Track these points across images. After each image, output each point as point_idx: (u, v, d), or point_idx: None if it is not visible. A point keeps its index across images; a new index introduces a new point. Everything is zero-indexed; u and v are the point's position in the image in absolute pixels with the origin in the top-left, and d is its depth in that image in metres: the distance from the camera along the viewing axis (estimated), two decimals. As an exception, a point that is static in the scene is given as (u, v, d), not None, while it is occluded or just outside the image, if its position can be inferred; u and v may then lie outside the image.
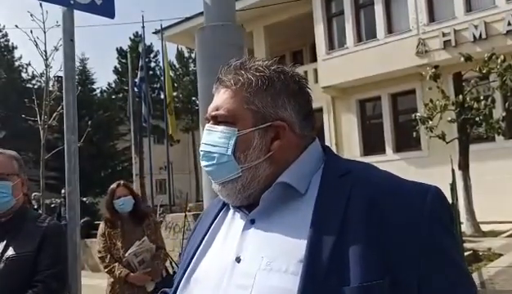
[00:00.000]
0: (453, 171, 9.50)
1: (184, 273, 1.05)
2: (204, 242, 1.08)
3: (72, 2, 2.34)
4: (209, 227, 1.09)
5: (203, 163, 1.04)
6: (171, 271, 4.20)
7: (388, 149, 13.58)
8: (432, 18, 12.72)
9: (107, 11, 2.50)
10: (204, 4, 2.23)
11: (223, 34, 2.12)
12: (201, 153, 1.04)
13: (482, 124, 9.46)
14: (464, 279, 0.91)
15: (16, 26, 6.15)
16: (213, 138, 1.01)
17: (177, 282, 1.07)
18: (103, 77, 77.15)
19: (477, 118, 9.41)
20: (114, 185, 4.13)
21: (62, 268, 2.19)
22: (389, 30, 13.53)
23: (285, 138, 1.00)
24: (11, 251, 2.04)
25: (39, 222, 2.20)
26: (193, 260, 1.06)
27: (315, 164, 1.01)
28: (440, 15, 12.64)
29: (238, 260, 0.95)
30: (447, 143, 9.64)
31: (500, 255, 7.76)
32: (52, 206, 11.90)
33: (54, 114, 5.90)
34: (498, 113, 9.62)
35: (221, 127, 1.00)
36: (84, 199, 15.94)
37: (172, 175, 20.37)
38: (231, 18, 2.19)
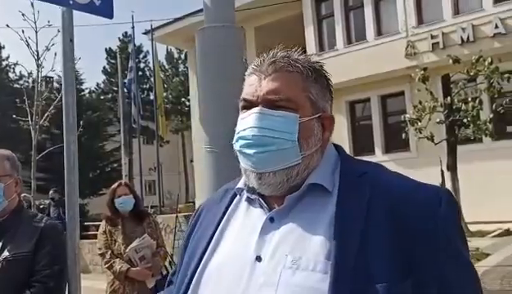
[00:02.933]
0: (442, 171, 9.63)
1: (196, 269, 1.02)
2: (215, 238, 1.04)
3: (71, 2, 2.35)
4: (219, 222, 1.06)
5: (251, 150, 0.97)
6: (170, 270, 4.22)
7: (378, 150, 13.67)
8: (420, 20, 12.85)
9: (106, 11, 2.51)
10: (203, 5, 2.25)
11: (224, 35, 2.15)
12: (251, 137, 0.97)
13: (470, 126, 9.56)
14: (477, 281, 0.95)
15: (7, 26, 6.12)
16: (272, 122, 0.96)
17: (188, 279, 1.02)
18: (92, 78, 76.57)
19: (465, 120, 9.52)
20: (115, 184, 4.19)
21: (60, 268, 2.19)
22: (379, 32, 13.63)
23: (330, 130, 1.03)
24: (7, 252, 2.03)
25: (36, 222, 2.19)
26: (205, 257, 1.03)
27: (335, 163, 1.02)
28: (428, 18, 12.77)
29: (259, 259, 0.94)
30: (436, 144, 9.74)
31: (488, 254, 7.86)
32: (41, 207, 11.79)
33: (45, 114, 5.89)
34: (485, 114, 9.75)
35: (282, 112, 0.97)
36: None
37: (162, 176, 20.30)
38: (230, 19, 2.21)
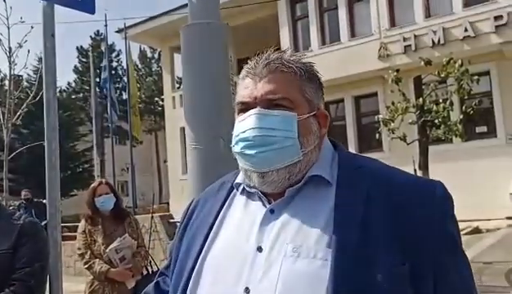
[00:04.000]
0: (415, 171, 9.81)
1: (196, 261, 1.03)
2: (213, 229, 1.05)
3: (52, -4, 2.32)
4: (218, 213, 1.08)
5: (252, 150, 0.99)
6: (150, 270, 4.17)
7: (351, 150, 13.80)
8: (393, 23, 13.09)
9: (87, 6, 2.48)
10: (188, 1, 2.25)
11: (209, 32, 2.15)
12: (252, 138, 0.99)
13: (441, 126, 9.77)
14: (470, 269, 0.99)
15: (-23, 21, 5.93)
16: (271, 122, 0.98)
17: (189, 268, 1.03)
18: (63, 77, 74.62)
19: (436, 121, 9.72)
20: (95, 183, 4.10)
21: (41, 265, 2.15)
22: (352, 34, 13.82)
23: (326, 127, 1.06)
24: None
25: (14, 220, 2.15)
26: (204, 248, 1.04)
27: (331, 157, 1.06)
28: (401, 21, 13.02)
29: (260, 249, 0.95)
30: (408, 144, 9.93)
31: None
32: (11, 208, 11.47)
33: (18, 113, 5.74)
34: (456, 115, 9.99)
35: (280, 111, 0.99)
36: (44, 201, 15.40)
37: (135, 177, 20.03)
38: (215, 16, 2.21)
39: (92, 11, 2.48)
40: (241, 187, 1.08)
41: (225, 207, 1.09)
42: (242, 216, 1.05)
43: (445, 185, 1.00)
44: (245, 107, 1.02)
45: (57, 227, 2.27)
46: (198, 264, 1.03)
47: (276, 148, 0.98)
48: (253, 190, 1.05)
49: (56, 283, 2.22)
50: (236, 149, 1.02)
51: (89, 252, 3.92)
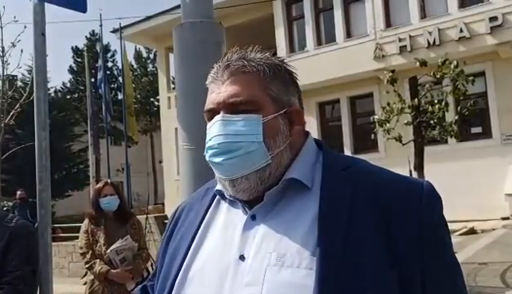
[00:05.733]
0: (410, 171, 9.82)
1: (179, 271, 1.00)
2: (197, 238, 1.03)
3: (43, -6, 2.28)
4: (200, 222, 1.05)
5: (219, 158, 0.96)
6: (151, 273, 4.16)
7: (347, 150, 13.86)
8: (388, 24, 13.12)
9: (79, 5, 2.45)
10: (181, 0, 2.22)
11: (202, 31, 2.12)
12: (217, 146, 0.96)
13: (436, 127, 9.78)
14: (459, 269, 0.97)
15: (-30, 20, 5.86)
16: (235, 127, 0.95)
17: (171, 280, 1.00)
18: (58, 77, 74.49)
19: (431, 121, 9.73)
20: (100, 184, 4.15)
21: (31, 269, 2.13)
22: (348, 35, 13.85)
23: (300, 123, 1.02)
24: None
25: (6, 222, 2.13)
26: (187, 257, 1.01)
27: (315, 158, 1.02)
28: (396, 21, 13.06)
29: (242, 258, 0.93)
30: (404, 145, 9.93)
31: (455, 253, 8.07)
32: (5, 209, 11.41)
33: (11, 113, 5.69)
34: (451, 116, 10.01)
35: (243, 115, 0.96)
36: (38, 202, 15.29)
37: (130, 177, 19.98)
38: (209, 14, 2.19)
39: (83, 9, 2.45)
40: (222, 194, 1.05)
41: (208, 214, 1.06)
42: (225, 223, 1.02)
43: (433, 185, 0.97)
44: (211, 114, 1.00)
45: (47, 228, 2.23)
46: (181, 273, 1.00)
47: (242, 153, 0.94)
48: (232, 197, 1.02)
49: (46, 286, 2.18)
50: (206, 157, 1.00)
51: (90, 252, 3.94)
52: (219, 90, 0.98)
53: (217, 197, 1.07)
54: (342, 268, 0.85)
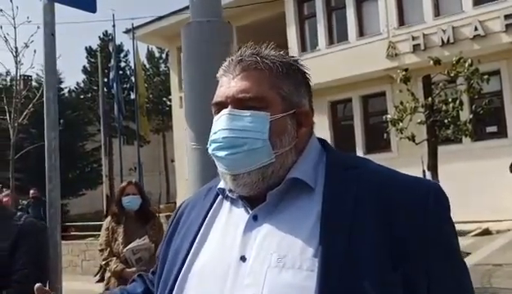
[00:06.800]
0: (424, 172, 9.73)
1: (180, 271, 1.00)
2: (198, 237, 1.02)
3: (52, -6, 2.29)
4: (202, 221, 1.04)
5: (222, 152, 0.95)
6: None
7: (359, 150, 13.76)
8: (402, 22, 12.99)
9: (88, 5, 2.45)
10: (189, 0, 2.22)
11: (210, 30, 2.11)
12: (222, 140, 0.95)
13: (450, 126, 9.68)
14: (466, 271, 0.94)
15: (-17, 22, 5.97)
16: (242, 123, 0.94)
17: (172, 280, 1.00)
18: (72, 77, 75.27)
19: (445, 120, 9.64)
20: (124, 183, 4.23)
21: (40, 267, 2.13)
22: (360, 33, 13.74)
23: (308, 125, 1.01)
24: None
25: (15, 220, 2.13)
26: (189, 257, 1.00)
27: (318, 157, 1.01)
28: (409, 20, 12.92)
29: (243, 259, 0.92)
30: (417, 144, 9.84)
31: (468, 253, 7.98)
32: (19, 207, 11.56)
33: (24, 113, 5.76)
34: (465, 115, 9.89)
35: (251, 111, 0.95)
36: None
37: (142, 176, 20.10)
38: (217, 14, 2.18)
39: (93, 9, 2.45)
40: (225, 193, 1.04)
41: (210, 213, 1.05)
42: (226, 223, 1.01)
43: (440, 185, 0.95)
44: (219, 107, 0.99)
45: (57, 227, 2.24)
46: (182, 273, 0.99)
47: (246, 149, 0.94)
48: (234, 196, 1.01)
49: (55, 284, 2.19)
50: (209, 150, 0.99)
51: (109, 249, 4.03)
52: (229, 84, 0.97)
53: (220, 196, 1.06)
54: (344, 269, 0.83)
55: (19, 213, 2.27)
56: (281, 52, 1.02)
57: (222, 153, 0.95)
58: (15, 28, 5.62)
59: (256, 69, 0.97)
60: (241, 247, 0.93)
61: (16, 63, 5.79)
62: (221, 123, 0.96)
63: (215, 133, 0.97)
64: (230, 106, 0.96)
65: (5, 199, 10.37)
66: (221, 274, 0.92)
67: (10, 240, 2.02)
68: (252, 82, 0.96)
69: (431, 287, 0.87)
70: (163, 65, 34.75)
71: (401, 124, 10.09)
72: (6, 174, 5.91)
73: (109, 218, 4.19)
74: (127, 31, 18.53)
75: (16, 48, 5.69)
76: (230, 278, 0.91)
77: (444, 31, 11.98)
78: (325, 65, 13.48)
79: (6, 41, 5.67)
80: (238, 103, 0.96)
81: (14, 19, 5.57)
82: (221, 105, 0.98)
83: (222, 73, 1.01)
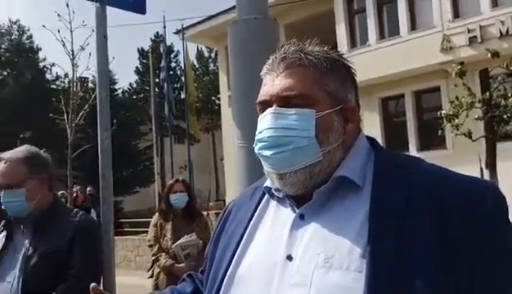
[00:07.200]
0: (482, 170, 9.34)
1: (227, 270, 1.00)
2: (245, 237, 1.02)
3: (104, -2, 2.36)
4: (249, 221, 1.04)
5: (268, 152, 0.94)
6: None
7: (412, 147, 13.38)
8: (456, 14, 12.51)
9: (138, 7, 2.51)
10: (236, -2, 2.22)
11: (256, 28, 2.10)
12: (267, 139, 0.94)
13: (510, 122, 9.25)
14: None
15: (44, 26, 6.27)
16: (287, 121, 0.93)
17: (220, 279, 1.00)
18: (125, 78, 77.75)
19: (504, 116, 9.21)
20: (172, 180, 4.35)
21: (95, 262, 2.20)
22: (413, 27, 13.35)
23: (355, 121, 0.98)
24: (43, 247, 2.05)
25: (71, 217, 2.20)
26: (236, 256, 1.00)
27: (367, 156, 0.98)
28: (465, 11, 12.42)
29: (290, 258, 0.91)
30: (474, 141, 9.46)
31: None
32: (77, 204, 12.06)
33: (81, 113, 6.00)
34: (526, 110, 9.40)
35: (296, 109, 0.93)
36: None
37: (193, 174, 20.49)
38: (263, 11, 2.16)
39: (142, 11, 2.51)
40: (271, 192, 1.04)
41: (257, 213, 1.05)
42: (273, 222, 1.00)
43: (497, 185, 0.90)
44: (264, 106, 0.98)
45: (110, 224, 2.31)
46: (229, 272, 0.99)
47: (292, 148, 0.92)
48: (281, 195, 1.00)
49: (109, 279, 2.26)
50: (255, 149, 0.98)
51: (157, 245, 4.13)
52: (273, 82, 0.97)
53: (266, 195, 1.05)
54: (394, 270, 0.80)
55: (75, 210, 2.35)
56: (325, 48, 1.00)
57: (267, 153, 0.94)
58: (71, 31, 5.88)
59: (300, 66, 0.95)
60: (288, 246, 0.92)
61: (73, 65, 6.05)
62: (266, 122, 0.95)
63: (260, 132, 0.96)
64: (274, 105, 0.95)
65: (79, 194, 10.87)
66: (267, 273, 0.92)
67: (67, 237, 2.09)
68: (296, 80, 0.94)
69: (483, 288, 0.82)
70: (212, 65, 35.22)
71: (456, 120, 9.72)
72: (65, 172, 6.17)
73: (157, 214, 4.28)
74: (177, 32, 18.91)
75: (73, 51, 5.95)
76: (276, 277, 0.90)
77: (502, 22, 11.42)
78: (376, 61, 13.19)
79: (64, 44, 5.92)
80: (283, 101, 0.94)
81: (70, 23, 5.83)
82: (265, 104, 0.97)
83: (265, 71, 1.01)
